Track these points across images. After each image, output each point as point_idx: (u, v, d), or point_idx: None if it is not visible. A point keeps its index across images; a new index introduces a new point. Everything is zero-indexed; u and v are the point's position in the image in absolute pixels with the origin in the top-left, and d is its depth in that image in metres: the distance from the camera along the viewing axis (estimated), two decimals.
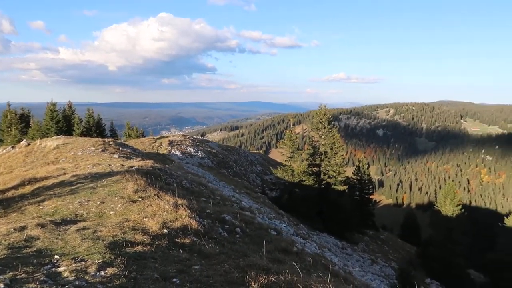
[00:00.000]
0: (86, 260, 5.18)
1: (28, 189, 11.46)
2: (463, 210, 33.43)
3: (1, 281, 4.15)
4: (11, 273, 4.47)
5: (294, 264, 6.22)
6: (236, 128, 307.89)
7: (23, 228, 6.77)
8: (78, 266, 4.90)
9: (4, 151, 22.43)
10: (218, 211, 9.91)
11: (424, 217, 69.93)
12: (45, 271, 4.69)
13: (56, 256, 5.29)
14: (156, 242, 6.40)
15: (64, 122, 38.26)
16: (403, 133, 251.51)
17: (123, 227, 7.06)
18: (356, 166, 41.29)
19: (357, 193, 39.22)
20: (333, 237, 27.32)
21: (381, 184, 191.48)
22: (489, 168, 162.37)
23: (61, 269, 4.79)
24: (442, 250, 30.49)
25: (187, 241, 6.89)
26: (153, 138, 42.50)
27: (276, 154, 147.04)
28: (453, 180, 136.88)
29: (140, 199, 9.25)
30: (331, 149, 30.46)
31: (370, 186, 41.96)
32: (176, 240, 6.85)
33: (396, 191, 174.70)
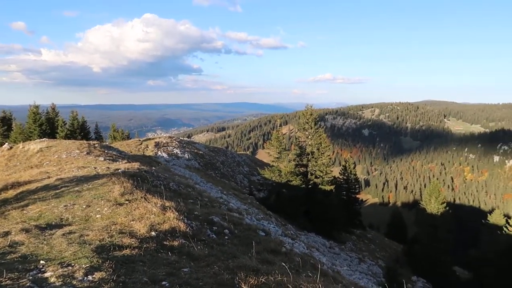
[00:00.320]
0: (73, 264, 5.10)
1: (11, 193, 11.22)
2: (447, 208, 33.96)
3: None
4: None
5: (284, 264, 6.24)
6: (223, 129, 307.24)
7: (6, 233, 6.63)
8: (65, 271, 4.82)
9: None
10: (206, 213, 9.87)
11: (410, 215, 70.97)
12: (31, 277, 4.60)
13: (41, 262, 5.19)
14: (144, 245, 6.34)
15: (47, 124, 37.60)
16: (388, 133, 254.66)
17: (110, 230, 6.97)
18: (343, 166, 41.59)
19: (344, 192, 39.49)
20: (321, 236, 27.45)
21: (367, 183, 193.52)
22: (472, 166, 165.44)
23: (47, 274, 4.71)
24: (428, 247, 30.93)
25: (175, 243, 6.84)
26: (139, 140, 42.08)
27: (263, 155, 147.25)
28: (437, 179, 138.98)
29: (127, 202, 9.15)
30: (318, 149, 30.60)
31: (357, 186, 42.30)
32: (165, 242, 6.79)
33: (382, 190, 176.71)
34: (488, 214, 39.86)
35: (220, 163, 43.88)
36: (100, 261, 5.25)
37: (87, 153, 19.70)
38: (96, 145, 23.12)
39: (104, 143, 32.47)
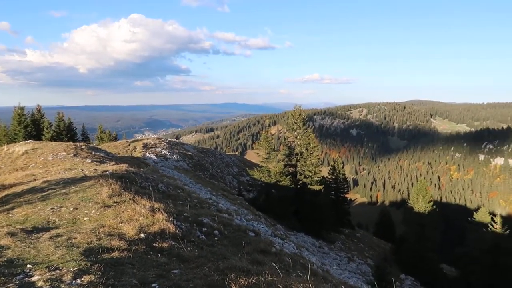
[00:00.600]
0: (61, 268, 5.02)
1: None
2: (434, 207, 34.44)
3: None
4: None
5: (274, 264, 6.25)
6: (212, 130, 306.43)
7: None
8: (53, 274, 4.75)
9: None
10: (196, 214, 9.83)
11: (398, 214, 71.63)
12: (18, 281, 4.53)
13: (28, 266, 5.11)
14: (134, 247, 6.28)
15: (33, 126, 37.02)
16: (376, 133, 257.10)
17: (99, 233, 6.90)
18: (331, 165, 41.85)
19: (333, 192, 39.73)
20: (310, 236, 27.56)
21: (355, 183, 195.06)
22: (458, 165, 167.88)
23: (34, 278, 4.63)
24: (416, 246, 31.32)
25: (165, 245, 6.80)
26: (127, 142, 41.71)
27: (252, 156, 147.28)
28: (424, 178, 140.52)
29: (115, 204, 9.06)
30: (307, 149, 30.73)
31: (345, 185, 42.61)
32: (154, 244, 6.75)
33: (370, 189, 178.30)
34: (474, 212, 40.50)
35: (209, 164, 43.75)
36: (89, 264, 5.19)
37: (74, 155, 19.46)
38: (83, 147, 22.85)
39: (91, 145, 32.12)
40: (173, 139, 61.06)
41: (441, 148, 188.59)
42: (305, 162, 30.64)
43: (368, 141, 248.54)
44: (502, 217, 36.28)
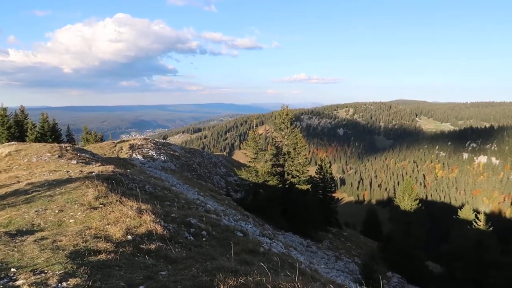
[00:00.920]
0: (46, 271, 4.94)
1: None
2: (420, 205, 34.90)
3: None
4: None
5: (262, 264, 6.25)
6: (199, 130, 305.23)
7: None
8: (38, 278, 4.67)
9: None
10: (183, 215, 9.78)
11: (384, 213, 72.41)
12: (2, 286, 4.44)
13: (12, 269, 5.01)
14: (120, 249, 6.22)
15: (16, 127, 36.32)
16: (362, 132, 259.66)
17: (85, 235, 6.81)
18: (319, 165, 42.07)
19: (320, 191, 39.95)
20: (298, 235, 27.67)
21: (342, 182, 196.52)
22: (443, 164, 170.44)
23: (19, 282, 4.55)
24: (402, 244, 31.68)
25: (152, 246, 6.75)
26: (113, 142, 41.26)
27: (239, 156, 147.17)
28: (410, 176, 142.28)
29: (101, 205, 8.96)
30: (294, 149, 30.84)
31: (333, 184, 42.90)
32: (141, 246, 6.69)
33: (357, 188, 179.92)
34: (459, 210, 41.20)
35: (196, 164, 43.56)
36: (75, 267, 5.12)
37: (59, 156, 19.18)
38: (68, 148, 22.53)
39: (77, 146, 31.70)
40: (160, 140, 60.62)
41: (426, 147, 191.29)
42: (292, 161, 30.75)
43: (354, 141, 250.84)
44: (485, 214, 37.00)
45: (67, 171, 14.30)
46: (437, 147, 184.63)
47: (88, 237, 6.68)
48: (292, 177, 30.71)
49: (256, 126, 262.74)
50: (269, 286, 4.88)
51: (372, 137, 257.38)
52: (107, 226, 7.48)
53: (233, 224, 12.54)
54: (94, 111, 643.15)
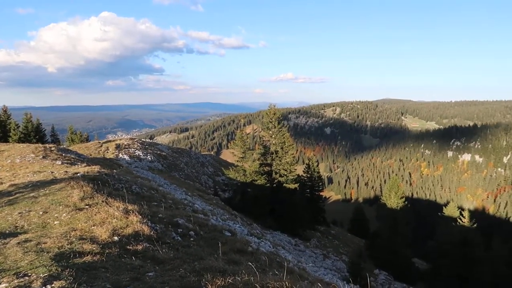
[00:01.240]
0: (29, 274, 4.85)
1: None
2: (406, 202, 35.35)
3: None
4: None
5: (250, 264, 6.24)
6: (186, 129, 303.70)
7: None
8: (21, 281, 4.58)
9: None
10: (171, 215, 9.71)
11: (371, 211, 73.27)
12: None
13: None
14: (107, 251, 6.14)
15: None
16: (349, 131, 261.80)
17: (70, 237, 6.70)
18: (306, 164, 42.27)
19: (308, 190, 40.13)
20: (286, 234, 27.75)
21: (330, 180, 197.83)
22: (428, 162, 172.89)
23: (2, 286, 4.45)
24: (389, 241, 32.01)
25: (139, 247, 6.68)
26: (99, 143, 40.75)
27: (227, 155, 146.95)
28: (396, 174, 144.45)
29: (87, 206, 8.83)
30: (282, 148, 30.90)
31: (320, 183, 43.12)
32: (128, 247, 6.62)
33: (345, 187, 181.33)
34: (444, 207, 41.82)
35: (184, 164, 43.32)
36: (60, 270, 5.03)
37: (43, 157, 18.85)
38: (53, 149, 22.17)
39: (62, 146, 31.22)
40: (147, 140, 60.12)
41: (411, 145, 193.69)
42: (280, 161, 30.81)
43: (341, 139, 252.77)
44: (469, 211, 37.63)
45: (52, 172, 14.07)
46: (422, 145, 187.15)
47: (74, 239, 6.57)
48: (280, 176, 30.77)
49: (244, 125, 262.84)
50: (257, 285, 4.87)
51: (359, 136, 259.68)
52: (93, 227, 7.37)
53: (221, 224, 12.50)
54: (79, 111, 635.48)
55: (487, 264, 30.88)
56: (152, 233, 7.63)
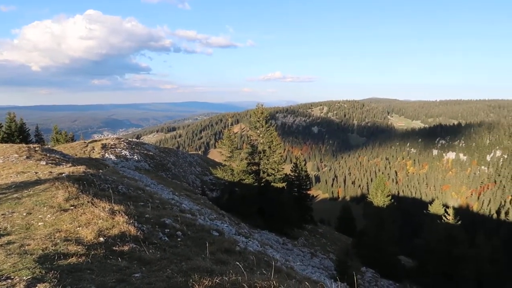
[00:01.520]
0: (12, 277, 4.75)
1: None
2: (392, 201, 35.71)
3: None
4: None
5: (238, 263, 6.23)
6: (173, 129, 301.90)
7: None
8: (4, 284, 4.49)
9: None
10: (158, 215, 9.65)
11: (358, 209, 73.82)
12: None
13: None
14: (92, 252, 6.06)
15: None
16: (336, 130, 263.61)
17: (54, 238, 6.60)
18: (294, 163, 42.37)
19: (296, 189, 40.23)
20: (274, 233, 27.81)
21: (317, 179, 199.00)
22: (414, 160, 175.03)
23: None
24: (375, 239, 32.32)
25: (125, 248, 6.61)
26: (85, 142, 40.19)
27: (215, 155, 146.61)
28: (382, 173, 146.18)
29: (72, 207, 8.70)
30: (269, 147, 30.95)
31: (308, 182, 43.27)
32: (114, 248, 6.54)
33: (332, 185, 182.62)
34: (429, 205, 42.31)
35: (171, 164, 43.04)
36: (44, 272, 4.95)
37: (27, 157, 18.51)
38: (37, 149, 21.79)
39: (46, 146, 30.73)
40: (134, 139, 59.53)
41: (397, 144, 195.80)
42: (268, 160, 30.85)
43: (329, 138, 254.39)
44: (454, 208, 38.18)
45: (36, 173, 13.83)
46: (408, 144, 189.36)
47: (58, 240, 6.47)
48: (268, 175, 30.81)
49: (232, 124, 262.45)
50: (244, 285, 4.87)
51: (346, 134, 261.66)
52: (78, 228, 7.27)
53: (209, 224, 12.46)
54: (64, 110, 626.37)
55: (472, 261, 31.40)
56: (138, 233, 7.56)
